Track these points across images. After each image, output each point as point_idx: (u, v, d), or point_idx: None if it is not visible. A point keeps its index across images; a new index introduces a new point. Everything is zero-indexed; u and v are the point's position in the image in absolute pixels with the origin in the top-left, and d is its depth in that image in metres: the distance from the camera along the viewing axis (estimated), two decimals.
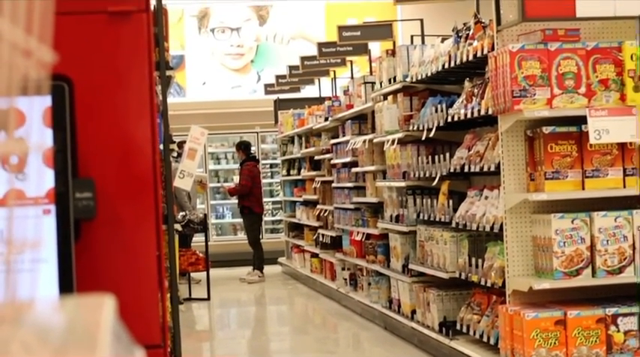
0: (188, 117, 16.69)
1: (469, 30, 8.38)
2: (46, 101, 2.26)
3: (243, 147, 18.14)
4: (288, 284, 17.69)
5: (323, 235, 15.71)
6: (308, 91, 19.12)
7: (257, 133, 21.17)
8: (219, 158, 21.69)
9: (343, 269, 14.01)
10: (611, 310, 7.09)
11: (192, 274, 15.48)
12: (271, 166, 21.56)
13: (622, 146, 6.90)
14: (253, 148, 19.48)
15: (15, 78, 0.91)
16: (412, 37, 11.81)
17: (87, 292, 1.18)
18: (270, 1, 22.38)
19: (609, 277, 7.03)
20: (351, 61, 16.09)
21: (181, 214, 14.26)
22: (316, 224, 16.32)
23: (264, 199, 19.21)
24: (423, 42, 11.15)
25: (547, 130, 6.84)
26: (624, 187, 6.97)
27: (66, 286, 2.52)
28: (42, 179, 2.30)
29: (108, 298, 1.01)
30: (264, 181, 19.57)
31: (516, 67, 6.80)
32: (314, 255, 16.53)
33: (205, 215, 16.94)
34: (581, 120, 6.77)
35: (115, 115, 3.45)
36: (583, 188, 6.91)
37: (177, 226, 12.57)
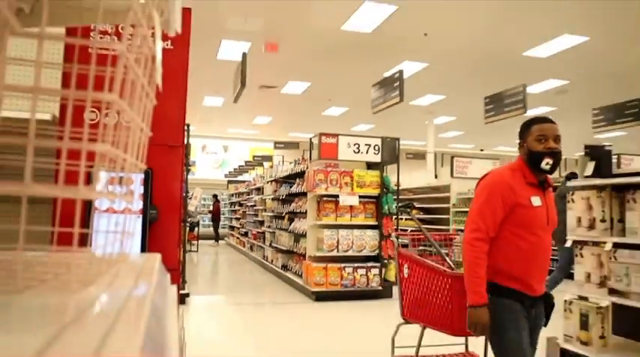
0: None
1: None
2: None
3: None
4: (228, 249, 22.51)
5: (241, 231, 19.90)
6: None
7: None
8: None
9: (250, 246, 17.61)
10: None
11: (192, 241, 20.70)
12: None
13: None
14: None
15: None
16: None
17: (152, 252, 1.48)
18: None
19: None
20: None
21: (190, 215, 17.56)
22: (239, 225, 21.06)
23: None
24: None
25: None
26: None
27: (142, 249, 3.10)
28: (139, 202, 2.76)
29: (158, 255, 1.36)
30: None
31: None
32: (238, 238, 20.95)
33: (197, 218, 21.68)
34: None
35: None
36: None
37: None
